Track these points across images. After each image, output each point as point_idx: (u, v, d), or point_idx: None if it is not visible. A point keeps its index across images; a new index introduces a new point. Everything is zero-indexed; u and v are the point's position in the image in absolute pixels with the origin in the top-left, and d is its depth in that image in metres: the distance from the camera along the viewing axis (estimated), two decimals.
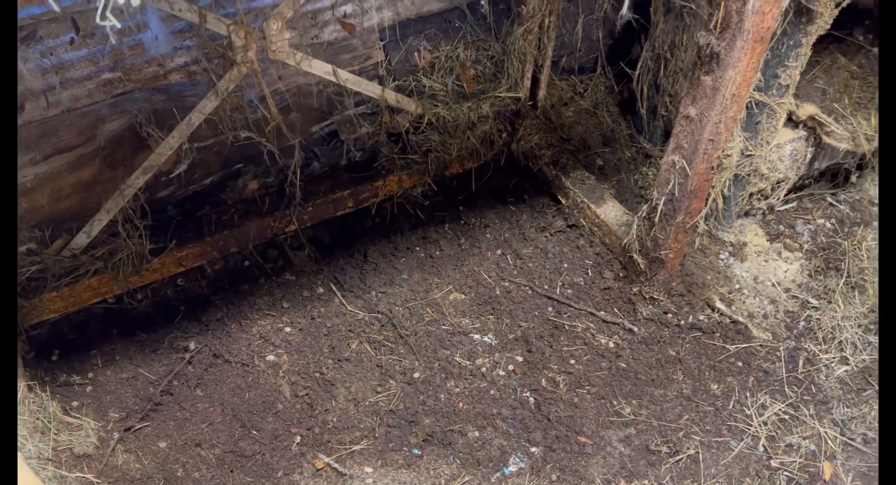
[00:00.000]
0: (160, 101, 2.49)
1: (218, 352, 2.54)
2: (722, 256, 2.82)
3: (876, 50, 2.81)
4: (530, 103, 3.09)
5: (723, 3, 1.96)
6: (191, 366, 2.51)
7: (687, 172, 2.31)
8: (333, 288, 2.74)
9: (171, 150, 2.50)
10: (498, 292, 2.76)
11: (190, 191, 2.77)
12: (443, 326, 2.64)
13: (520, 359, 2.55)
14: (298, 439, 2.33)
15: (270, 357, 2.54)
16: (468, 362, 2.54)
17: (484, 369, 2.52)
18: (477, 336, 2.62)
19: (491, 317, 2.68)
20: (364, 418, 2.38)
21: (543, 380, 2.49)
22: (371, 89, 2.76)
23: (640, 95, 3.06)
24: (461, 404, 2.42)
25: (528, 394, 2.46)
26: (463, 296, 2.76)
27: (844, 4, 2.30)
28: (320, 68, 2.56)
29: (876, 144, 2.69)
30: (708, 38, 2.05)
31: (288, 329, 2.61)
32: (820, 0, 2.25)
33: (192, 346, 2.56)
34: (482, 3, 2.81)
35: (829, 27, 2.35)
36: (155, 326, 2.62)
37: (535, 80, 3.03)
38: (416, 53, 2.95)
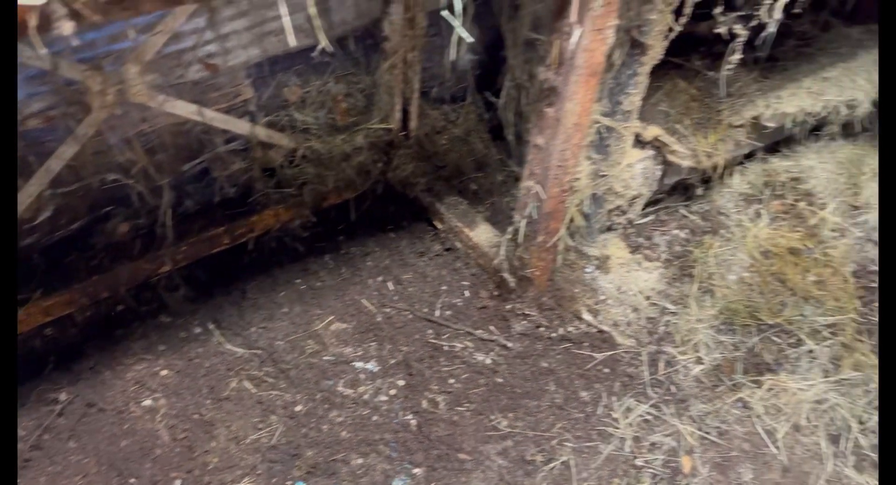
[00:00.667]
0: (18, 148, 2.43)
1: (91, 401, 2.48)
2: (588, 270, 3.00)
3: (711, 73, 3.10)
4: (403, 133, 3.19)
5: (555, 42, 2.13)
6: (62, 418, 2.44)
7: (541, 197, 2.46)
8: (211, 327, 2.73)
9: (31, 197, 2.44)
10: (379, 319, 2.83)
11: (56, 238, 2.70)
12: (325, 357, 2.69)
13: (401, 383, 2.63)
14: (178, 482, 2.31)
15: (147, 402, 2.50)
16: (350, 391, 2.59)
17: (366, 396, 2.58)
18: (359, 364, 2.68)
19: (373, 344, 2.75)
20: (245, 455, 2.38)
21: (424, 401, 2.57)
22: (240, 126, 2.79)
23: (506, 122, 3.23)
24: (344, 433, 2.47)
25: (409, 416, 2.53)
26: (345, 325, 2.81)
27: (672, 36, 2.52)
28: (184, 109, 2.57)
29: (714, 160, 2.96)
30: (546, 73, 2.22)
31: (164, 372, 2.59)
32: (650, 34, 2.47)
33: (62, 397, 2.49)
34: (322, 48, 2.90)
35: (662, 57, 2.57)
36: (21, 380, 2.53)
37: (406, 112, 3.14)
38: (286, 89, 3.01)
